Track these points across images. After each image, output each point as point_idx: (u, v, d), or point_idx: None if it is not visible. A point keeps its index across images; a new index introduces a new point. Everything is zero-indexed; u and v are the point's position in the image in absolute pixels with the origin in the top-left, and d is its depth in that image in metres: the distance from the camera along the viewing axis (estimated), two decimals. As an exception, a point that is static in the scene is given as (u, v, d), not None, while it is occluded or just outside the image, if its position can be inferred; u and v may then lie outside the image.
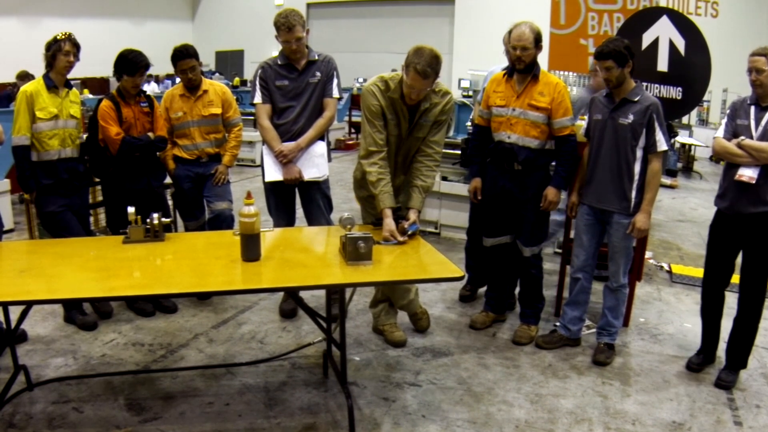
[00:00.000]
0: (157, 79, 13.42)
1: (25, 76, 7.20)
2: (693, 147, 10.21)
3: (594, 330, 3.63)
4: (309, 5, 16.55)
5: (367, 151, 3.01)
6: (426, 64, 2.78)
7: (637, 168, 3.15)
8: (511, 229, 3.56)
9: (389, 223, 2.87)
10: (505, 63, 3.63)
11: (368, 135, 2.99)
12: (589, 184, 3.31)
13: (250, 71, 16.27)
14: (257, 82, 3.55)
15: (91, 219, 4.15)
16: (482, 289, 4.14)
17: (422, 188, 3.07)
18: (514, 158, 3.35)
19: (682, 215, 7.00)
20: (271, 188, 3.67)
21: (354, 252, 2.47)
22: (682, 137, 10.05)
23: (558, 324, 3.60)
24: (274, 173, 3.55)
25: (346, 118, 12.35)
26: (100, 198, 4.55)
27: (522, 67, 3.26)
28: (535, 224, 3.46)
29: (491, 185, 3.51)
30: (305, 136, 3.54)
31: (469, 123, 5.44)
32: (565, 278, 3.91)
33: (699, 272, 4.63)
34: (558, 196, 3.36)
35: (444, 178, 5.61)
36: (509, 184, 3.42)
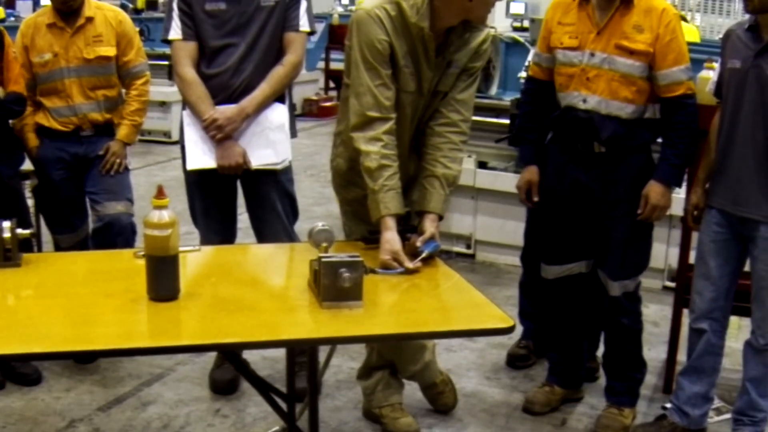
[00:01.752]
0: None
1: None
2: None
3: (728, 416, 3.64)
4: None
5: (365, 118, 3.00)
6: None
7: (797, 150, 3.17)
8: (587, 252, 3.57)
9: (392, 239, 2.88)
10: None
11: (366, 91, 2.99)
12: (720, 175, 3.33)
13: (162, -14, 16.29)
14: (175, 5, 3.57)
15: None
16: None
17: (444, 180, 3.08)
18: (594, 135, 3.36)
19: None
20: (197, 181, 3.68)
21: (333, 287, 2.47)
22: None
23: (669, 405, 3.61)
24: (201, 156, 3.56)
25: (321, 65, 12.36)
26: None
27: None
28: (628, 244, 3.46)
29: (556, 179, 3.53)
30: (254, 95, 3.56)
31: (522, 74, 5.46)
32: (681, 330, 3.92)
33: None
34: (667, 196, 3.37)
35: (481, 165, 5.63)
36: (586, 176, 3.43)
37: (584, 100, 3.38)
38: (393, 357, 3.53)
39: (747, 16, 3.27)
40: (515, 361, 4.20)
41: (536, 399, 3.77)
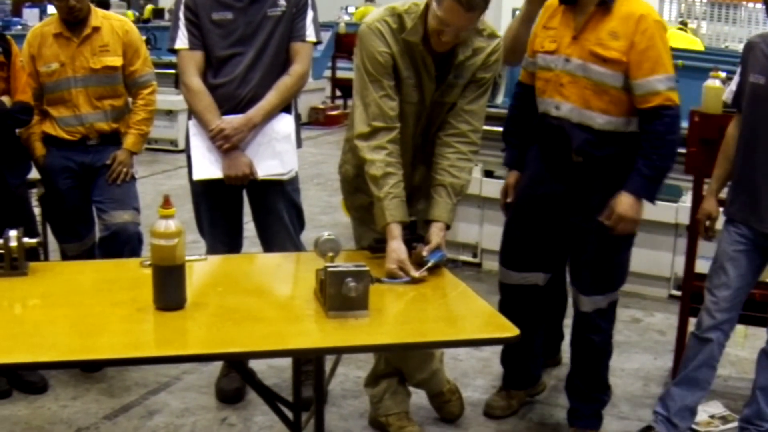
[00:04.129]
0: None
1: None
2: None
3: (735, 424, 3.61)
4: None
5: (371, 128, 3.03)
6: None
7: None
8: (546, 265, 3.50)
9: (398, 248, 2.89)
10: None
11: (372, 102, 3.03)
12: (741, 189, 3.30)
13: (169, -4, 16.36)
14: (181, 15, 3.58)
15: None
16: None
17: (452, 189, 3.09)
18: (567, 144, 3.28)
19: None
20: (203, 191, 3.69)
21: (339, 296, 2.48)
22: None
23: (657, 414, 3.53)
24: (208, 166, 3.57)
25: (328, 74, 12.38)
26: None
27: None
28: (602, 258, 3.36)
29: (532, 187, 3.44)
30: (261, 105, 3.56)
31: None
32: (685, 338, 3.90)
33: None
34: (636, 208, 3.23)
35: (488, 174, 5.62)
36: (563, 186, 3.35)
37: (557, 107, 3.29)
38: (400, 365, 3.53)
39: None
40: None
41: (496, 404, 3.77)
